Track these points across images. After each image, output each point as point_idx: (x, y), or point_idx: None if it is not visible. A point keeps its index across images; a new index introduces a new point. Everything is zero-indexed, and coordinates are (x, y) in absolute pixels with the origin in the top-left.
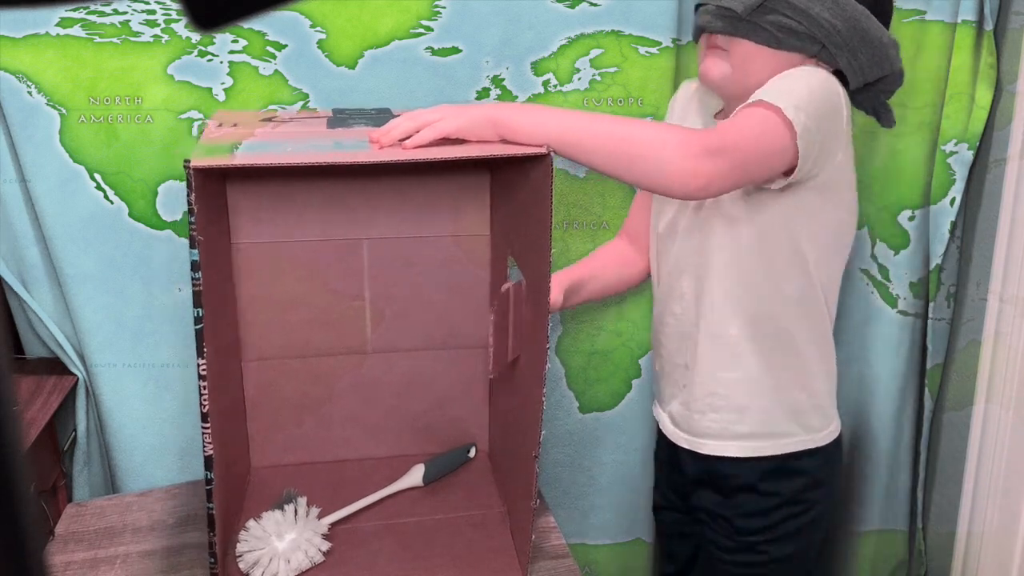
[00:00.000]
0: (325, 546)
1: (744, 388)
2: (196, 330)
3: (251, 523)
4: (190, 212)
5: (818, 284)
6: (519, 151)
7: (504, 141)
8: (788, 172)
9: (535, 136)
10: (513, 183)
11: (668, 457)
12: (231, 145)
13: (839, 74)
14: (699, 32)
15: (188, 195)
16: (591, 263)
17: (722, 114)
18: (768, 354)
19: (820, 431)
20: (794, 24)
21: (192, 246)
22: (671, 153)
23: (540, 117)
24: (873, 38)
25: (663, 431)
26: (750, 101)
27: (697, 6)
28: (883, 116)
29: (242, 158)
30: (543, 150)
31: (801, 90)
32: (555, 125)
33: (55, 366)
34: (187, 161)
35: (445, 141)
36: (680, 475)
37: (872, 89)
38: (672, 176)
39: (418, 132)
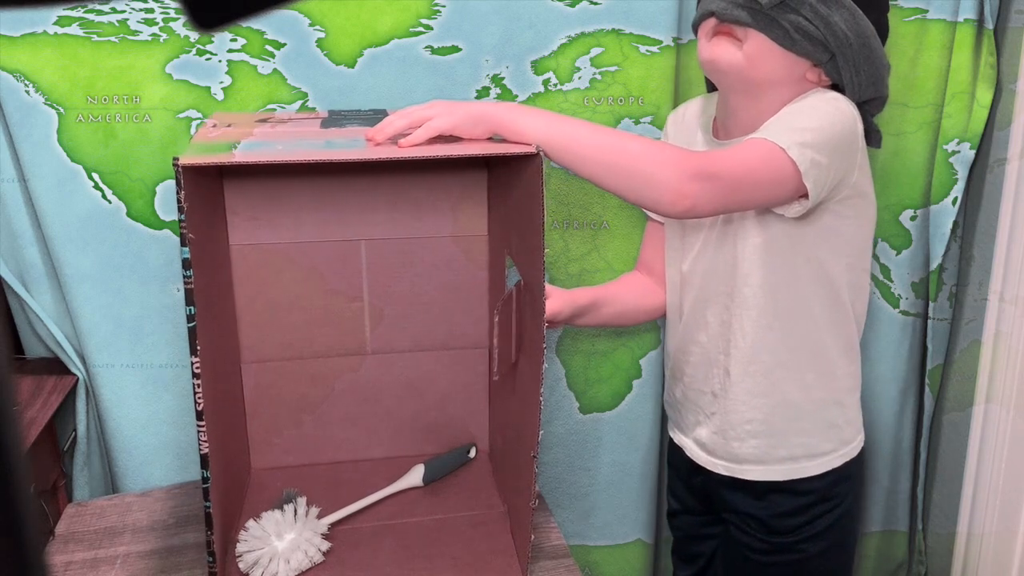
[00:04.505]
0: (325, 546)
1: (781, 413)
2: (189, 328)
3: (251, 523)
4: (180, 210)
5: (846, 295)
6: (512, 150)
7: (499, 138)
8: (802, 199)
9: (533, 138)
10: (509, 182)
11: (688, 465)
12: (229, 144)
13: (835, 88)
14: (706, 17)
15: (178, 193)
16: (611, 286)
17: (717, 123)
18: (803, 375)
19: (851, 441)
20: (812, 28)
21: (183, 244)
22: (664, 172)
23: (540, 120)
24: (876, 58)
25: (689, 456)
26: (755, 135)
27: None
28: (871, 135)
29: (239, 156)
30: (533, 149)
31: (809, 125)
32: (554, 129)
33: (55, 366)
34: (176, 159)
35: (440, 139)
36: (702, 477)
37: (860, 108)
38: (662, 194)
39: (412, 130)
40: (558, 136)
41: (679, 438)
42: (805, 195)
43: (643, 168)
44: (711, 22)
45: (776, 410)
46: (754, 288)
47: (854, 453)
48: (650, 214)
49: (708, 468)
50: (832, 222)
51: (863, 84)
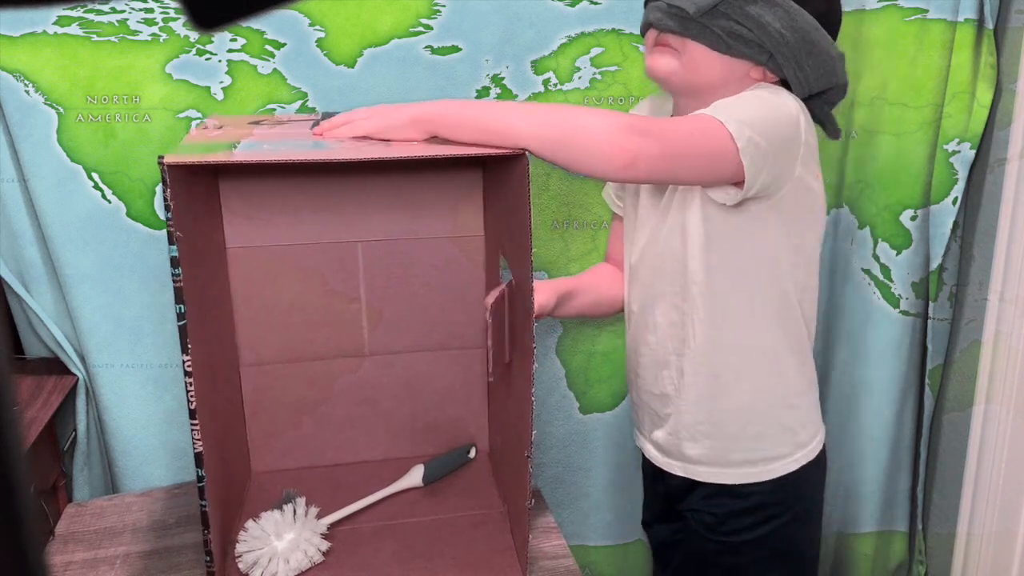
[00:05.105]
0: (324, 546)
1: (734, 416)
2: (179, 327)
3: (250, 523)
4: (167, 208)
5: (794, 297)
6: (503, 150)
7: (439, 140)
8: (739, 184)
9: (468, 131)
10: (500, 182)
11: (653, 471)
12: (229, 144)
13: (784, 84)
14: (647, 27)
15: (164, 191)
16: (585, 276)
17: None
18: (753, 378)
19: (808, 444)
20: (744, 31)
21: (171, 242)
22: (598, 130)
23: (473, 112)
24: (821, 51)
25: (649, 458)
26: (697, 112)
27: (647, 1)
28: (828, 127)
29: (239, 156)
30: (519, 150)
31: (749, 108)
32: (486, 120)
33: (55, 366)
34: (161, 157)
35: (437, 140)
36: (664, 485)
37: (817, 100)
38: (599, 152)
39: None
40: (495, 123)
41: (640, 441)
42: (743, 181)
43: (580, 131)
44: (652, 32)
45: (727, 413)
46: (701, 287)
47: (812, 455)
48: (615, 209)
49: (665, 470)
50: (776, 219)
51: (810, 78)
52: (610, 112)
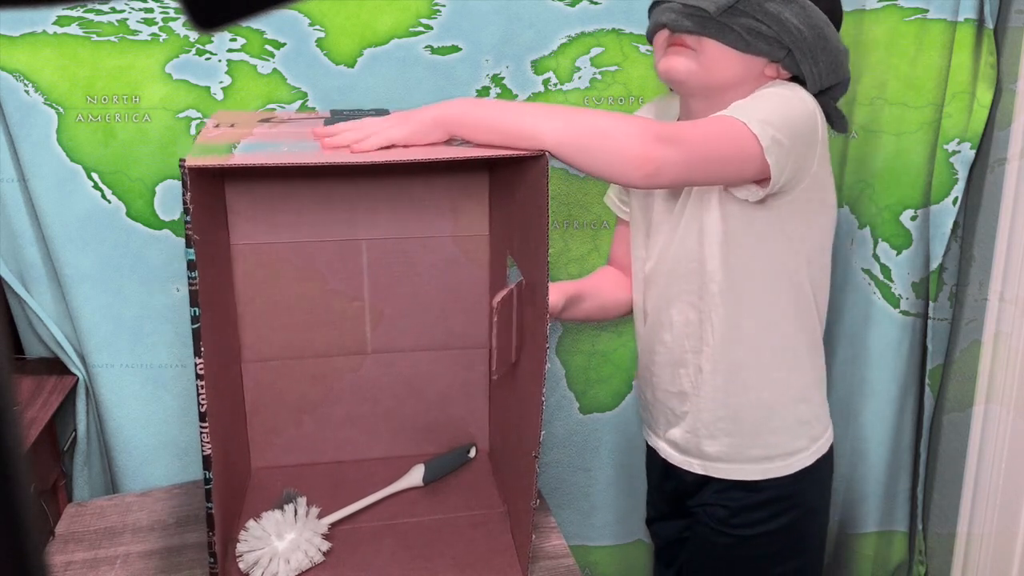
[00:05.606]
0: (325, 546)
1: (753, 411)
2: (193, 329)
3: (251, 523)
4: (186, 211)
5: (809, 291)
6: (516, 152)
7: (456, 140)
8: (762, 183)
9: (491, 132)
10: (511, 183)
11: (662, 469)
12: (229, 145)
13: (796, 80)
14: (658, 28)
15: (184, 194)
16: (591, 280)
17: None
18: (771, 372)
19: (820, 437)
20: (764, 28)
21: (188, 245)
22: (625, 139)
23: (494, 112)
24: (832, 46)
25: (664, 457)
26: (717, 114)
27: (656, 3)
28: (835, 121)
29: (240, 158)
30: (538, 152)
31: (769, 107)
32: (509, 120)
33: (55, 366)
34: (183, 160)
35: (453, 140)
36: (673, 482)
37: (824, 95)
38: (625, 161)
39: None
40: (519, 126)
41: (653, 440)
42: (766, 179)
43: (607, 138)
44: (664, 34)
45: (746, 408)
46: (720, 285)
47: (824, 449)
48: (619, 214)
49: (683, 468)
50: (793, 214)
51: (823, 73)
52: (635, 118)
